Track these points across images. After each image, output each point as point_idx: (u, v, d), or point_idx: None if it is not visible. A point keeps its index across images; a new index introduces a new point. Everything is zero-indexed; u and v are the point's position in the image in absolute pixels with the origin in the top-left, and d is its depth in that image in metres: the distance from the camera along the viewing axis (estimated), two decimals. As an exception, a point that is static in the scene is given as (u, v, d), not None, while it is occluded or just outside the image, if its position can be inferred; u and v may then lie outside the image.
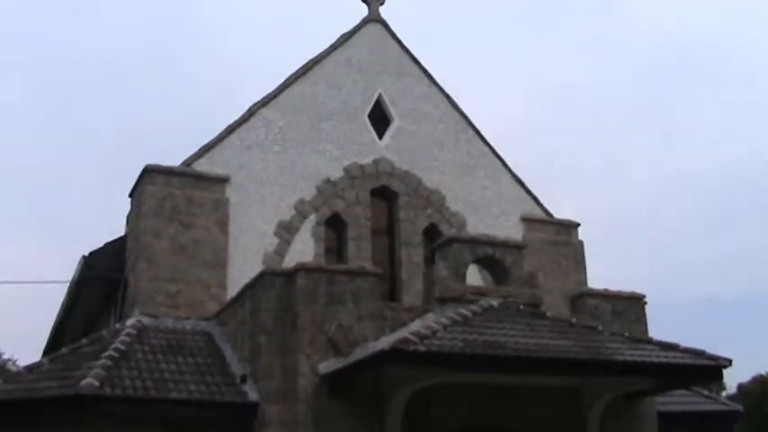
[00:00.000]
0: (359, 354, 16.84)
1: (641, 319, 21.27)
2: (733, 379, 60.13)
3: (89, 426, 17.40)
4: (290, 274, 18.02)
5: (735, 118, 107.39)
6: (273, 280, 18.06)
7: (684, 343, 18.49)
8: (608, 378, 18.41)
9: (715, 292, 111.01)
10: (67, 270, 26.27)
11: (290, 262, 21.06)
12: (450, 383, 17.05)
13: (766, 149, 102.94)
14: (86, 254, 23.82)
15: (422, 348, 15.21)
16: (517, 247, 20.42)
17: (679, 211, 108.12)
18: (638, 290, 21.71)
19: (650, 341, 18.89)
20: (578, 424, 19.30)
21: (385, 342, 16.14)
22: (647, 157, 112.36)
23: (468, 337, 16.20)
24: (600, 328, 19.13)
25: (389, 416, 17.38)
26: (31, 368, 19.14)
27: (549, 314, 19.29)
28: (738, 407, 26.13)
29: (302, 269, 17.88)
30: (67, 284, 26.22)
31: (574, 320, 19.32)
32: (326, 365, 17.28)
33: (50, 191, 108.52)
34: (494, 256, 19.80)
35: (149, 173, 22.64)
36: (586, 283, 25.96)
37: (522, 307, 18.86)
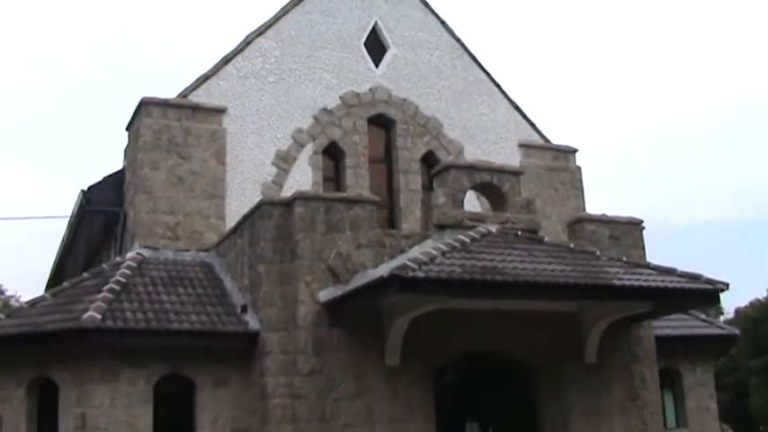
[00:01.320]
0: (358, 281, 16.95)
1: (639, 244, 21.33)
2: (731, 304, 60.55)
3: (91, 358, 17.55)
4: (288, 204, 18.05)
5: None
6: (272, 209, 18.10)
7: (683, 268, 18.61)
8: (606, 303, 18.53)
9: (716, 219, 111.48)
10: (67, 205, 26.28)
11: (288, 191, 21.04)
12: (450, 310, 17.10)
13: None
14: (85, 188, 23.83)
15: (421, 274, 15.29)
16: (515, 173, 20.43)
17: (684, 140, 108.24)
18: (637, 216, 21.79)
19: (648, 266, 18.98)
20: (577, 348, 19.45)
21: (384, 269, 16.22)
22: (654, 84, 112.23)
23: (467, 263, 16.28)
24: (598, 252, 19.21)
25: (389, 342, 17.54)
26: (33, 303, 19.28)
27: (546, 239, 19.37)
28: (735, 331, 26.33)
29: (300, 198, 17.90)
30: (67, 219, 26.29)
31: (572, 245, 19.38)
32: (326, 293, 17.38)
33: (49, 126, 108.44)
34: (491, 183, 19.81)
35: (146, 105, 22.54)
36: (584, 209, 25.97)
37: (520, 233, 18.91)
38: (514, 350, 19.36)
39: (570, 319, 19.32)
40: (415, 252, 17.13)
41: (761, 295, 57.84)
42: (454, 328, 18.32)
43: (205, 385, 18.09)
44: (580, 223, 21.03)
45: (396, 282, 15.21)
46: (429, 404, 18.06)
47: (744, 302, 59.49)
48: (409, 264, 15.44)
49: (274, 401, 17.09)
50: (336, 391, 17.17)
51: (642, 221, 21.65)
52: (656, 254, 20.94)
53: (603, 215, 21.36)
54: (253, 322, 18.03)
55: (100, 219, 25.14)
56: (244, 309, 18.43)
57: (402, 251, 18.16)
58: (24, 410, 18.21)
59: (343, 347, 17.41)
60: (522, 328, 18.97)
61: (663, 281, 17.97)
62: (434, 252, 16.39)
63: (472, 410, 19.38)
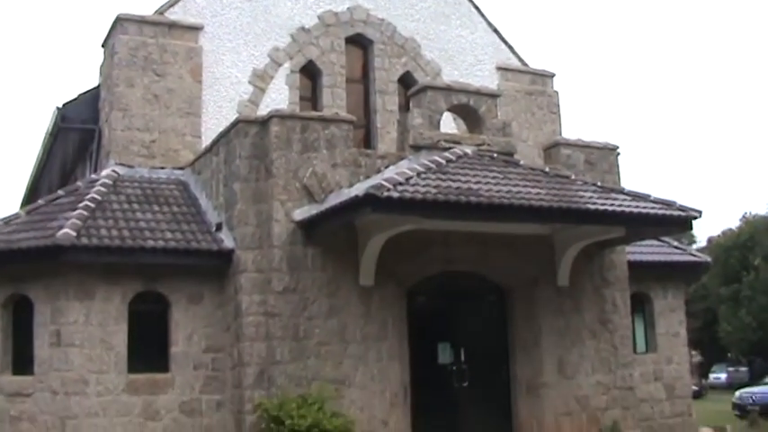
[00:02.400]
0: (333, 200, 16.96)
1: (614, 170, 21.42)
2: (704, 233, 61.18)
3: (66, 275, 17.58)
4: (264, 122, 17.96)
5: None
6: (248, 128, 18.02)
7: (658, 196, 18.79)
8: (579, 227, 18.64)
9: (693, 147, 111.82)
10: (42, 123, 26.14)
11: (264, 110, 20.90)
12: (424, 231, 17.17)
13: None
14: (60, 105, 23.67)
15: (395, 195, 15.32)
16: (491, 96, 20.41)
17: (664, 67, 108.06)
18: (614, 141, 21.87)
19: (622, 191, 19.13)
20: (550, 271, 19.62)
21: (359, 188, 16.25)
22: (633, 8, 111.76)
23: (442, 184, 16.31)
24: (572, 177, 19.31)
25: (364, 262, 17.63)
26: (7, 221, 19.16)
27: (522, 163, 19.40)
28: (707, 258, 26.60)
29: (276, 116, 17.81)
30: (43, 137, 26.13)
31: (547, 169, 19.45)
32: (301, 212, 17.40)
33: (24, 42, 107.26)
34: (468, 104, 19.79)
35: (121, 22, 22.25)
36: (561, 134, 25.99)
37: (495, 155, 18.94)
38: (488, 272, 19.51)
39: (543, 242, 19.47)
40: (391, 172, 17.13)
41: (733, 225, 58.42)
42: (428, 249, 18.43)
43: (180, 302, 18.17)
44: (556, 147, 21.07)
45: (370, 201, 15.24)
46: (402, 324, 18.24)
47: (716, 233, 60.12)
48: (384, 184, 15.47)
49: (248, 319, 17.18)
50: (310, 309, 17.28)
51: (617, 147, 21.72)
52: (631, 181, 21.08)
53: (579, 140, 21.41)
54: (227, 240, 18.05)
55: (75, 136, 25.00)
56: (219, 227, 18.44)
57: (378, 171, 18.15)
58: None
59: (317, 266, 17.48)
60: (495, 250, 19.10)
61: (636, 206, 18.09)
62: (410, 172, 16.40)
63: (445, 331, 19.54)
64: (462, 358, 19.38)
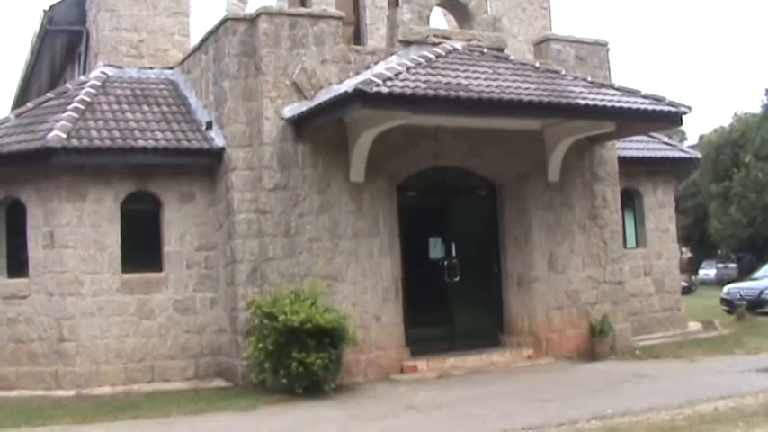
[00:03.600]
0: (323, 97, 16.90)
1: (604, 66, 21.37)
2: (695, 132, 61.22)
3: (58, 178, 17.65)
4: (253, 19, 17.81)
5: None
6: (236, 25, 17.87)
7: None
8: (569, 121, 18.68)
9: (686, 45, 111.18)
10: (29, 26, 25.97)
11: (252, 8, 20.65)
12: (414, 126, 17.23)
13: None
14: (47, 7, 23.49)
15: (384, 90, 15.29)
16: (481, -10, 20.23)
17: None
18: (604, 37, 21.74)
19: (612, 86, 19.12)
20: (541, 167, 19.69)
21: (348, 84, 16.18)
22: None
23: (432, 79, 16.28)
24: (563, 72, 19.24)
25: (354, 158, 17.67)
26: (-3, 124, 19.16)
27: (512, 58, 19.35)
28: (697, 154, 26.66)
29: (264, 13, 17.66)
30: (30, 40, 25.98)
31: (537, 64, 19.41)
32: (291, 109, 17.36)
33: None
34: (457, -1, 19.65)
35: None
36: (551, 29, 25.85)
37: (485, 50, 18.86)
38: (478, 167, 19.59)
39: (534, 137, 19.51)
40: (380, 68, 17.06)
41: (726, 123, 58.43)
42: (418, 145, 18.48)
43: (171, 202, 18.28)
44: (546, 43, 20.94)
45: (359, 97, 15.22)
46: (393, 219, 18.39)
47: (708, 131, 60.18)
48: (373, 79, 15.43)
49: (240, 217, 17.28)
50: (301, 206, 17.37)
51: (608, 43, 21.64)
52: (622, 78, 21.06)
53: (570, 36, 21.30)
54: (218, 139, 18.05)
55: (63, 38, 24.91)
56: (209, 125, 18.43)
57: (367, 67, 18.08)
58: (-7, 232, 18.40)
59: (307, 163, 17.52)
60: (485, 145, 19.15)
61: (627, 101, 18.13)
62: (399, 68, 16.35)
63: (436, 226, 19.71)
64: (453, 253, 19.60)
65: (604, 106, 17.62)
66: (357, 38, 23.92)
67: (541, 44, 21.14)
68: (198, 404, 15.64)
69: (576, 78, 18.94)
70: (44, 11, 23.46)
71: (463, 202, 20.11)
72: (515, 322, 19.75)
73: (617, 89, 18.84)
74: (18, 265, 18.30)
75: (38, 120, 18.61)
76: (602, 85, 18.94)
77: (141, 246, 18.17)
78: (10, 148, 17.72)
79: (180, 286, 18.19)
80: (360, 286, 17.70)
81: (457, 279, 19.38)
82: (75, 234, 17.60)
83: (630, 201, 23.83)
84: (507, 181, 19.86)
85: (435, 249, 19.61)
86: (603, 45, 21.55)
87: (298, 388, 15.75)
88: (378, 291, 17.90)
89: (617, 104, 17.84)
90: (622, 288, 20.85)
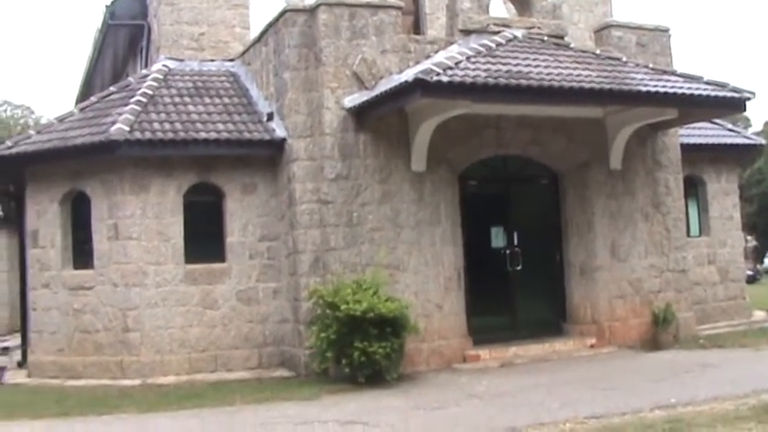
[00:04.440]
0: (383, 86, 16.91)
1: (666, 52, 21.15)
2: (760, 118, 60.35)
3: (121, 170, 17.86)
4: (312, 10, 17.88)
5: None
6: (296, 17, 17.94)
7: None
8: (631, 109, 18.51)
9: (750, 30, 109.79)
10: (92, 21, 26.29)
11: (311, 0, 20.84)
12: (474, 115, 17.19)
13: None
14: (108, 2, 23.76)
15: (445, 79, 15.28)
16: (541, -23, 20.12)
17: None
18: (666, 23, 21.54)
19: (674, 73, 18.95)
20: (603, 155, 19.55)
21: (409, 74, 16.18)
22: None
23: (492, 68, 16.24)
24: (624, 59, 19.09)
25: (415, 147, 17.67)
26: (61, 118, 19.46)
27: (572, 45, 19.23)
28: (760, 140, 26.30)
29: (324, 4, 17.70)
30: (93, 35, 26.30)
31: (598, 51, 19.27)
32: (351, 99, 17.41)
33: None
34: (518, -13, 19.57)
35: None
36: (612, 16, 25.62)
37: (545, 38, 18.77)
38: (540, 155, 19.51)
39: (595, 125, 19.37)
40: (440, 57, 17.03)
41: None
42: (479, 134, 18.44)
43: (234, 193, 18.41)
44: (607, 29, 20.78)
45: (420, 86, 15.22)
46: (455, 208, 18.34)
47: (774, 117, 59.26)
48: (434, 68, 15.43)
49: (302, 207, 17.35)
50: (363, 195, 17.41)
51: (669, 29, 21.41)
52: (684, 64, 20.84)
53: (631, 22, 21.12)
54: (279, 130, 18.12)
55: (125, 32, 25.22)
56: (270, 116, 18.51)
57: (427, 57, 18.06)
58: (59, 223, 18.74)
59: (369, 153, 17.55)
60: (547, 133, 19.08)
61: (689, 88, 17.94)
62: (459, 56, 16.34)
63: (497, 215, 19.64)
64: (515, 242, 19.50)
65: (666, 93, 17.42)
66: (416, 27, 23.86)
67: (602, 31, 20.97)
68: (261, 393, 15.71)
69: (637, 65, 18.79)
70: (106, 6, 23.80)
71: (525, 191, 20.07)
72: (578, 311, 19.64)
73: (679, 75, 18.67)
74: (83, 257, 18.56)
75: (101, 113, 18.84)
76: (664, 72, 18.77)
77: (204, 237, 18.34)
78: (75, 141, 17.96)
79: (243, 277, 18.31)
80: (422, 275, 17.70)
81: (519, 268, 19.32)
82: (139, 226, 17.79)
83: (694, 188, 23.57)
84: (569, 169, 19.75)
85: (497, 238, 19.54)
86: (665, 31, 21.32)
87: (360, 377, 15.79)
88: (440, 280, 17.89)
89: (679, 91, 17.64)
90: (686, 276, 20.63)
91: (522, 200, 19.90)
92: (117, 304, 17.80)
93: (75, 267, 18.66)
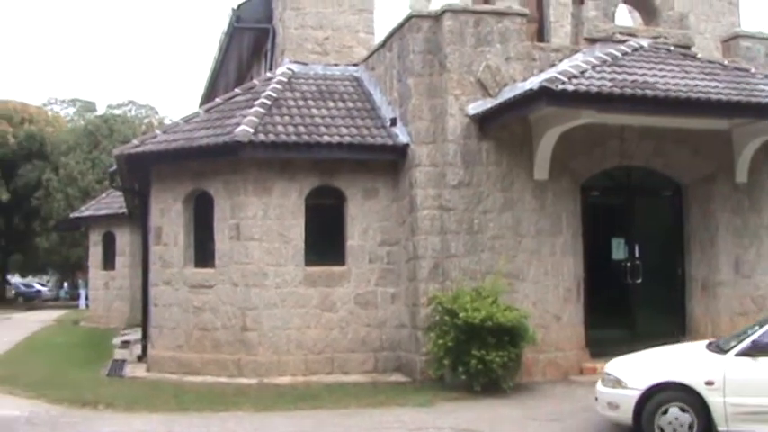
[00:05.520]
0: (507, 94, 16.87)
1: (797, 63, 20.62)
2: None
3: (245, 171, 18.11)
4: (437, 17, 17.92)
5: None
6: (420, 23, 18.00)
7: None
8: (759, 121, 18.02)
9: None
10: (217, 24, 26.74)
11: (436, 6, 20.77)
12: (598, 125, 17.01)
13: None
14: (235, 6, 24.11)
15: (570, 88, 15.19)
16: (668, -13, 19.83)
17: None
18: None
19: (806, 85, 18.44)
20: (728, 168, 19.16)
21: (533, 82, 16.13)
22: None
23: (617, 77, 16.07)
24: (752, 70, 18.69)
25: (538, 156, 17.56)
26: (187, 119, 19.83)
27: (699, 56, 18.89)
28: None
29: (449, 10, 17.73)
30: (219, 37, 26.72)
31: (725, 62, 18.91)
32: (475, 106, 17.39)
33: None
34: (644, -5, 19.32)
35: None
36: (740, 26, 25.12)
37: (672, 48, 18.47)
38: (663, 167, 19.19)
39: (721, 137, 18.96)
40: (565, 65, 16.91)
41: None
42: (603, 144, 18.26)
43: (355, 197, 18.53)
44: (735, 40, 20.38)
45: (545, 94, 15.14)
46: (576, 218, 18.18)
47: None
48: (559, 77, 15.35)
49: (423, 213, 17.39)
50: (484, 203, 17.37)
51: (801, 39, 20.88)
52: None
53: (760, 32, 20.68)
54: (402, 135, 18.18)
55: (250, 36, 25.57)
56: (393, 122, 18.60)
57: (551, 65, 17.94)
58: (182, 222, 19.10)
59: (491, 160, 17.50)
60: (671, 145, 18.77)
61: (821, 101, 17.44)
62: (584, 65, 16.21)
63: (619, 226, 19.39)
64: (636, 254, 19.18)
65: (798, 106, 16.99)
66: (540, 35, 23.68)
67: (730, 41, 20.59)
68: (376, 397, 15.81)
69: (766, 77, 18.34)
70: (232, 9, 24.13)
71: (647, 203, 19.73)
72: (698, 326, 19.23)
73: (811, 88, 18.19)
74: (205, 256, 18.89)
75: (226, 115, 19.14)
76: (795, 84, 18.32)
77: (324, 239, 18.52)
78: (199, 142, 18.26)
79: (362, 280, 18.41)
80: (541, 285, 17.59)
81: (639, 281, 19.02)
82: (261, 227, 18.02)
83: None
84: (693, 182, 19.38)
85: (618, 250, 19.25)
86: (796, 41, 20.81)
87: (476, 385, 15.79)
88: (559, 290, 17.76)
89: (811, 105, 17.18)
90: (812, 295, 20.08)
91: (645, 212, 19.55)
92: (236, 303, 18.07)
93: (197, 266, 19.01)
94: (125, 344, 24.61)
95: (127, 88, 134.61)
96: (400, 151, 18.14)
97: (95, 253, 37.53)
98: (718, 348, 12.13)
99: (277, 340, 17.93)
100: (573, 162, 18.02)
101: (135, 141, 19.90)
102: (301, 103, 19.50)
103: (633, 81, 16.06)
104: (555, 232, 17.83)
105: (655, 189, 19.76)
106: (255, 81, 21.58)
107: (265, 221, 18.03)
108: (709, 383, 11.51)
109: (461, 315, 15.68)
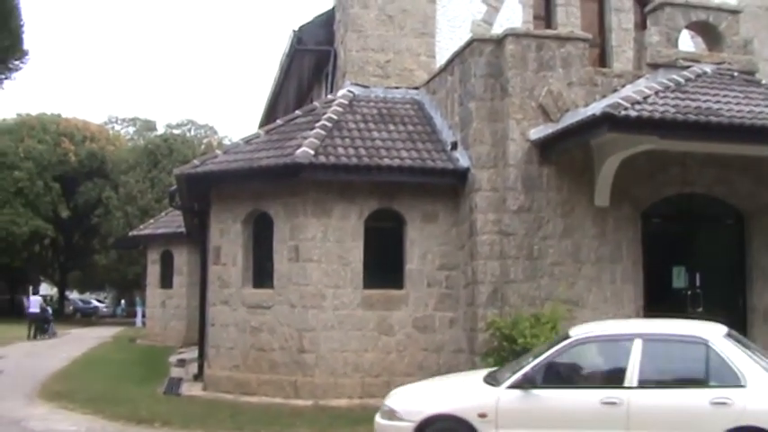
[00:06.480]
0: (569, 119, 16.80)
1: None
2: None
3: (304, 193, 18.17)
4: (499, 41, 17.89)
5: None
6: (482, 47, 17.98)
7: None
8: (824, 149, 17.81)
9: None
10: (278, 46, 26.83)
11: (497, 30, 20.77)
12: (660, 151, 16.81)
13: None
14: (296, 28, 24.24)
15: (633, 113, 15.04)
16: (732, 12, 19.58)
17: None
18: None
19: None
20: (792, 196, 18.90)
21: (596, 107, 16.03)
22: None
23: (681, 103, 15.90)
24: (819, 97, 18.42)
25: (599, 182, 17.43)
26: (248, 140, 19.93)
27: (764, 82, 18.65)
28: None
29: (511, 35, 17.71)
30: (280, 59, 26.87)
31: (792, 89, 18.67)
32: (536, 131, 17.33)
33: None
34: (707, 21, 19.13)
35: (350, -59, 22.40)
36: (805, 52, 24.78)
37: (736, 74, 18.24)
38: (726, 195, 18.94)
39: (786, 165, 18.71)
40: (628, 91, 16.81)
41: None
42: (665, 170, 18.09)
43: (415, 221, 18.50)
44: (800, 66, 20.14)
45: (608, 120, 15.01)
46: (636, 246, 18.01)
47: None
48: (622, 102, 15.22)
49: (483, 238, 17.33)
50: (545, 229, 17.29)
51: None
52: None
53: (826, 59, 20.43)
54: (463, 159, 18.16)
55: (310, 58, 25.64)
56: (454, 146, 18.57)
57: (614, 90, 17.82)
58: (241, 242, 19.19)
59: (552, 186, 17.42)
60: (734, 172, 18.55)
61: None
62: (647, 91, 16.07)
63: (680, 254, 19.13)
64: (697, 283, 18.92)
65: None
66: (602, 60, 23.53)
67: (795, 68, 20.34)
68: (434, 422, 15.70)
69: (831, 103, 18.08)
70: (294, 31, 24.21)
71: (709, 231, 19.43)
72: (759, 357, 18.96)
73: None
74: (263, 276, 18.97)
75: (286, 136, 19.21)
76: None
77: (382, 263, 18.50)
78: (260, 162, 18.34)
79: (420, 304, 18.38)
80: (600, 312, 17.38)
81: (700, 310, 18.68)
82: (320, 249, 18.06)
83: None
84: (756, 210, 19.09)
85: (679, 278, 18.97)
86: None
87: (534, 411, 15.63)
88: (619, 318, 17.55)
89: None
90: None
91: (706, 240, 19.26)
92: (294, 325, 18.10)
93: (255, 286, 19.10)
94: (181, 362, 24.77)
95: (186, 108, 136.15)
96: (461, 175, 18.10)
97: (153, 271, 37.92)
98: (494, 380, 12.04)
99: (334, 362, 17.93)
100: (634, 189, 17.86)
101: (195, 161, 20.03)
102: (362, 125, 19.56)
103: (696, 107, 15.87)
104: (615, 259, 17.68)
105: (716, 217, 19.47)
106: (316, 103, 21.65)
107: (324, 243, 18.07)
108: (482, 416, 11.47)
109: (520, 341, 15.56)
